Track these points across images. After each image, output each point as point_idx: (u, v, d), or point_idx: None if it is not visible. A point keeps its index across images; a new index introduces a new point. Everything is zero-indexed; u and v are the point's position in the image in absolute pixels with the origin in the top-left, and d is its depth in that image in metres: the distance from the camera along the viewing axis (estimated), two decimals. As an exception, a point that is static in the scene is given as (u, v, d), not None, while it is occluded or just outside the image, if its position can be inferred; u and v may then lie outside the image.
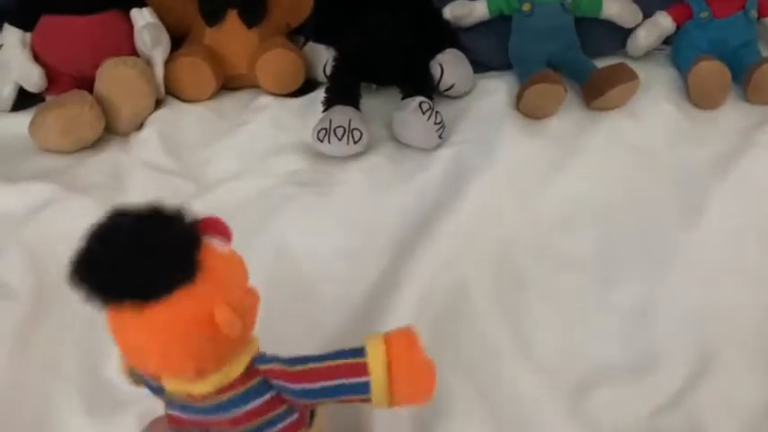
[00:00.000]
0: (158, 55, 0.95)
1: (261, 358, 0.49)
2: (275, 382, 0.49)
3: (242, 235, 0.79)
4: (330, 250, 0.78)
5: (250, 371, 0.48)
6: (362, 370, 0.47)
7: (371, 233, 0.80)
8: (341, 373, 0.48)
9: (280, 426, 0.50)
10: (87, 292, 0.44)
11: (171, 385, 0.49)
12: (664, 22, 1.05)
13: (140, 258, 0.42)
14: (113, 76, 0.90)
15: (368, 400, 0.48)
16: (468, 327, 0.70)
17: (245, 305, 0.47)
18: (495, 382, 0.63)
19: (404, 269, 0.74)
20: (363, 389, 0.47)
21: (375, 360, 0.47)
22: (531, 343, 0.68)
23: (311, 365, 0.48)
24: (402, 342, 0.48)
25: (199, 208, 0.81)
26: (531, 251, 0.78)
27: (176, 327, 0.43)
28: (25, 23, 0.93)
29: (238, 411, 0.48)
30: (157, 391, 0.52)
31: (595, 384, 0.64)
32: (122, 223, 0.45)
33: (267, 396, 0.49)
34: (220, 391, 0.48)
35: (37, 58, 0.94)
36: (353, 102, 0.93)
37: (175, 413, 0.51)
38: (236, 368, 0.48)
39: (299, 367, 0.48)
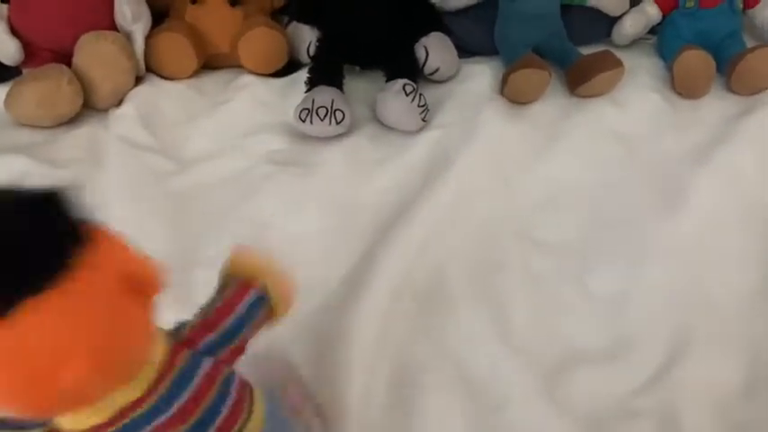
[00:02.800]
0: (139, 30, 0.94)
1: (176, 333, 0.46)
2: (200, 344, 0.45)
3: (220, 214, 0.80)
4: (309, 231, 0.78)
5: (172, 351, 0.43)
6: (254, 284, 0.49)
7: (351, 214, 0.80)
8: (242, 297, 0.48)
9: (233, 392, 0.45)
10: None
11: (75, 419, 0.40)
12: (650, 10, 1.05)
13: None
14: (93, 51, 0.89)
15: (270, 312, 0.49)
16: (447, 309, 0.69)
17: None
18: (472, 364, 0.63)
19: (383, 251, 0.73)
20: (264, 299, 0.49)
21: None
22: (509, 326, 0.68)
23: (213, 307, 0.48)
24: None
25: (177, 186, 0.83)
26: (511, 235, 0.78)
27: (98, 318, 0.35)
28: (1, -5, 0.91)
29: (182, 400, 0.43)
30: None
31: (572, 367, 0.64)
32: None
33: (205, 366, 0.44)
34: (150, 391, 0.41)
35: (14, 30, 0.92)
36: (337, 82, 0.92)
37: None
38: (160, 351, 0.42)
39: (203, 317, 0.47)
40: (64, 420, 0.41)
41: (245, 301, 0.48)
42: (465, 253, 0.75)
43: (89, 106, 0.92)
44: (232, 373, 0.47)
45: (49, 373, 0.34)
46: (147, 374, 0.42)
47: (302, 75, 0.97)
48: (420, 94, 0.88)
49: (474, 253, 0.75)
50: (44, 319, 0.34)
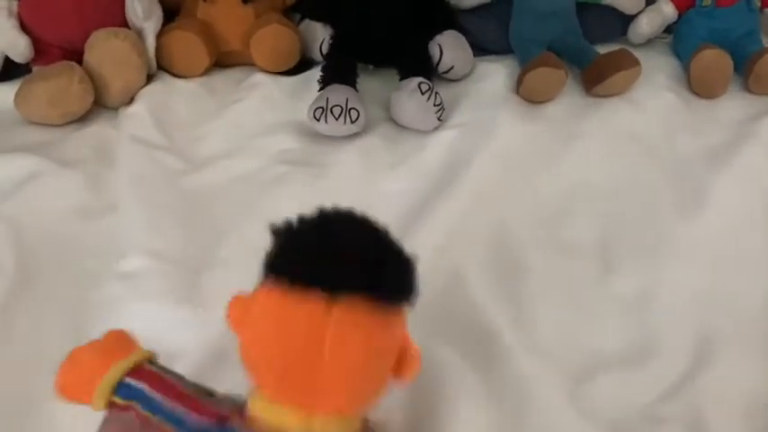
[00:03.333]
0: (150, 27, 0.93)
1: None
2: None
3: (231, 215, 0.79)
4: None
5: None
6: None
7: (366, 215, 0.78)
8: None
9: None
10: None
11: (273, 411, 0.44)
12: (666, 9, 1.04)
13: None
14: (104, 49, 0.88)
15: None
16: (466, 312, 0.68)
17: None
18: (494, 368, 0.62)
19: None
20: None
21: None
22: (530, 329, 0.66)
23: None
24: None
25: (188, 186, 0.82)
26: (529, 237, 0.76)
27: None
28: (12, -9, 0.90)
29: None
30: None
31: (595, 371, 0.63)
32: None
33: None
34: None
35: (24, 27, 0.91)
36: (350, 81, 0.91)
37: None
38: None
39: None
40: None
41: None
42: (482, 255, 0.73)
43: (100, 104, 0.91)
44: None
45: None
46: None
47: (315, 73, 0.96)
48: (436, 93, 0.87)
49: (492, 255, 0.74)
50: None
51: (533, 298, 0.69)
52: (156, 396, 0.46)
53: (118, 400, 0.46)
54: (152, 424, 0.46)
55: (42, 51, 0.92)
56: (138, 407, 0.46)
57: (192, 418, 0.45)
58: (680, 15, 1.05)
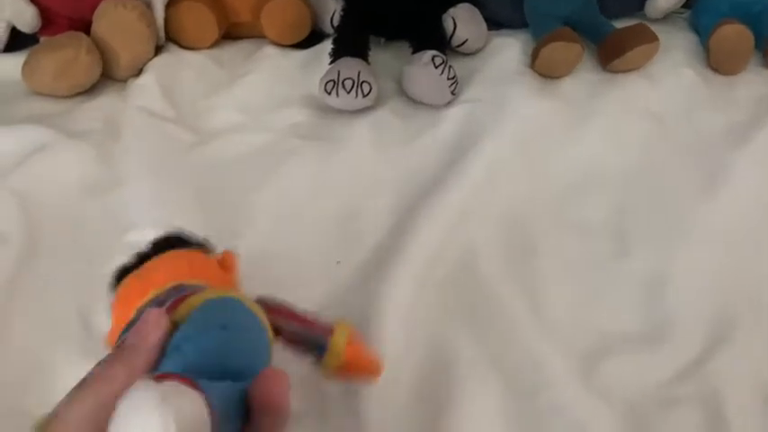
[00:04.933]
0: (160, -2, 0.91)
1: None
2: None
3: (242, 189, 0.77)
4: (334, 207, 0.75)
5: None
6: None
7: (377, 191, 0.77)
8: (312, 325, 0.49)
9: None
10: None
11: None
12: (685, -18, 1.01)
13: None
14: (112, 19, 0.86)
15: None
16: (478, 292, 0.67)
17: None
18: (506, 349, 0.61)
19: (410, 230, 0.70)
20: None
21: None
22: (544, 310, 0.65)
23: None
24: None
25: (198, 159, 0.81)
26: (543, 215, 0.75)
27: None
28: (19, -41, 0.88)
29: None
30: None
31: (609, 352, 0.62)
32: None
33: None
34: None
35: (31, -3, 0.89)
36: (362, 54, 0.89)
37: None
38: None
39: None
40: None
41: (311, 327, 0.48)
42: (496, 234, 0.72)
43: (107, 76, 0.90)
44: None
45: None
46: None
47: (325, 46, 0.94)
48: (450, 66, 0.86)
49: (505, 233, 0.72)
50: None
51: (546, 278, 0.68)
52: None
53: None
54: None
55: (49, 21, 0.90)
56: None
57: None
58: (699, -11, 1.02)
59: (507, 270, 0.69)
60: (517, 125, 0.82)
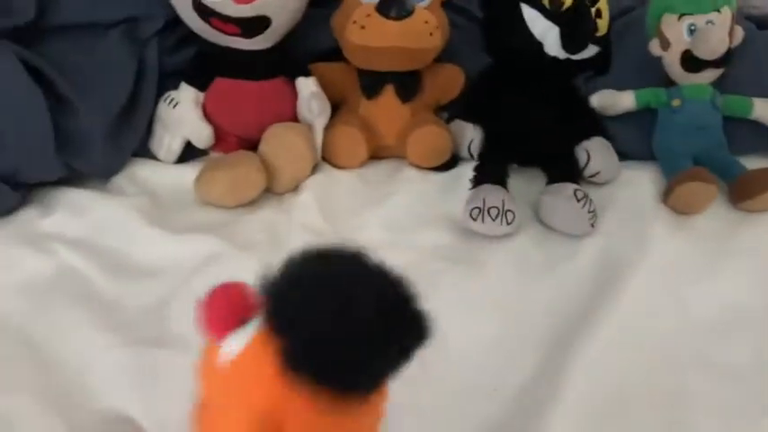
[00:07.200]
0: (321, 123, 1.00)
1: None
2: None
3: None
4: (482, 335, 0.78)
5: None
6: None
7: (522, 320, 0.80)
8: None
9: None
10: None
11: None
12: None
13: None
14: (281, 142, 0.95)
15: None
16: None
17: None
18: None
19: (558, 365, 0.73)
20: None
21: None
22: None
23: None
24: None
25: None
26: (688, 356, 0.76)
27: None
28: (200, 84, 0.99)
29: None
30: None
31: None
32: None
33: None
34: None
35: (207, 116, 1.00)
36: (503, 182, 0.95)
37: None
38: None
39: None
40: None
41: None
42: (641, 376, 0.74)
43: (267, 190, 0.98)
44: None
45: None
46: None
47: (462, 170, 1.01)
48: (590, 200, 0.90)
49: (652, 377, 0.74)
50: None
51: (695, 425, 0.69)
52: None
53: None
54: None
55: (219, 138, 1.01)
56: None
57: None
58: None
59: (656, 415, 0.70)
60: (656, 261, 0.85)
